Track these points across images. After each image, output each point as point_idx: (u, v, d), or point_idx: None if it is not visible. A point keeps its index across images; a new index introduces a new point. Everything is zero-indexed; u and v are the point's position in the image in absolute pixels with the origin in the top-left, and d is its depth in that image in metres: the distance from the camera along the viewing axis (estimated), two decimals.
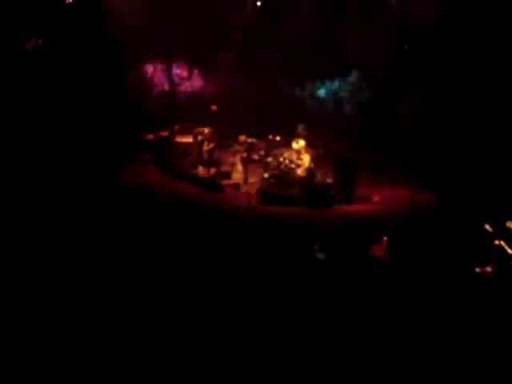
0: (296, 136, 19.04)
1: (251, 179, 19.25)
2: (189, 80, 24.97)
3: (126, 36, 22.05)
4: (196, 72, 24.98)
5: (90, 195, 14.97)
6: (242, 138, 19.36)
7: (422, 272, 10.56)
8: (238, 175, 19.41)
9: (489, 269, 10.96)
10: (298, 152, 18.64)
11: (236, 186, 18.64)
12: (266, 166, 19.06)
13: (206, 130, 20.30)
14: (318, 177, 18.11)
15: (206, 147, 20.10)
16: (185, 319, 8.61)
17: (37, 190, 14.87)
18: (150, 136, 21.91)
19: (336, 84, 24.31)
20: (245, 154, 19.16)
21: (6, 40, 20.60)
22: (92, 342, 8.00)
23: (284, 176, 18.30)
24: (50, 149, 18.69)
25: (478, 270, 10.97)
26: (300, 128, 19.74)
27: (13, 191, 14.47)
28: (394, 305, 9.25)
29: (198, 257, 11.08)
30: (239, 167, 19.50)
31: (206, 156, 20.21)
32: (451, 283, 10.06)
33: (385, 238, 12.05)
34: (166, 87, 25.02)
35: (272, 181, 18.33)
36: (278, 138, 19.88)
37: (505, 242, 11.17)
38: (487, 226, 11.61)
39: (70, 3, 22.22)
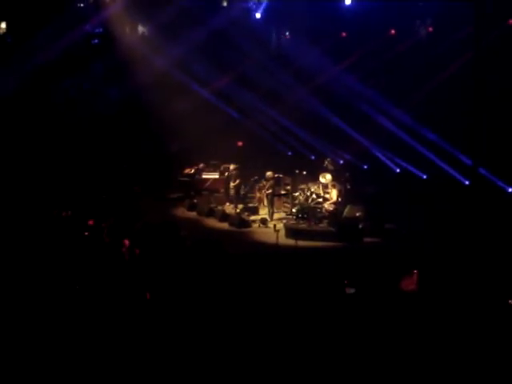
0: (323, 170, 18.99)
1: (278, 214, 19.18)
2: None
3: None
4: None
5: (113, 232, 15.02)
6: (269, 173, 19.30)
7: (454, 305, 10.37)
8: (265, 210, 19.33)
9: None
10: (326, 186, 18.54)
11: (263, 221, 18.55)
12: (294, 201, 19.01)
13: (232, 167, 20.32)
14: (347, 210, 17.94)
15: (232, 183, 20.11)
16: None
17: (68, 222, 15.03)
18: (181, 174, 21.91)
19: None
20: (271, 190, 19.06)
21: None
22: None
23: (311, 210, 18.15)
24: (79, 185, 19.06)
25: (511, 301, 10.76)
26: (327, 162, 19.72)
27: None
28: (425, 339, 9.09)
29: (224, 291, 11.00)
30: (266, 202, 19.42)
31: (232, 192, 20.21)
32: (484, 315, 9.87)
33: (415, 272, 11.88)
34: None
35: (299, 215, 18.19)
36: (304, 173, 19.85)
37: None
38: None
39: None
